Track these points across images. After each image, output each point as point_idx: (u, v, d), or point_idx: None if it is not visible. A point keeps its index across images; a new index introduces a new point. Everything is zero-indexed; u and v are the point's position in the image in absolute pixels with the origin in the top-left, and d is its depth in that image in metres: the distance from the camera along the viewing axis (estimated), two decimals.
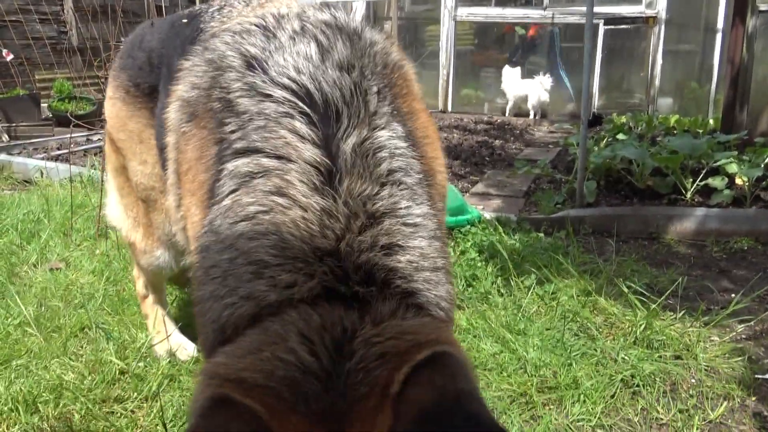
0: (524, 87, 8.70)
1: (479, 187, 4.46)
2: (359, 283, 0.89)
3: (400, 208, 0.98)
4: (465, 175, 4.78)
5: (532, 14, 8.99)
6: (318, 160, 0.97)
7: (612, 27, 8.55)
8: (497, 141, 6.40)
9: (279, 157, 0.99)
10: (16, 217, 3.92)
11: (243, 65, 1.13)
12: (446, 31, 9.32)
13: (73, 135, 6.28)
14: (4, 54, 7.65)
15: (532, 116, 8.65)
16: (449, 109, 9.41)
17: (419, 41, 10.58)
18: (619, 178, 4.14)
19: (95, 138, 6.47)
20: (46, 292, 2.84)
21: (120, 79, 1.93)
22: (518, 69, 8.81)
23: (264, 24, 1.22)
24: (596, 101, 8.73)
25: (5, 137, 7.10)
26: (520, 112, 8.87)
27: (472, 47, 9.96)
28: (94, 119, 7.47)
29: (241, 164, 1.01)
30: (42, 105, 7.99)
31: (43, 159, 5.31)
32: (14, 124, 7.23)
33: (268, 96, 1.06)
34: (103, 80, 9.62)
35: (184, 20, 1.75)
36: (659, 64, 8.49)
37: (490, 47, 9.90)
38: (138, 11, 10.80)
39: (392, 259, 0.93)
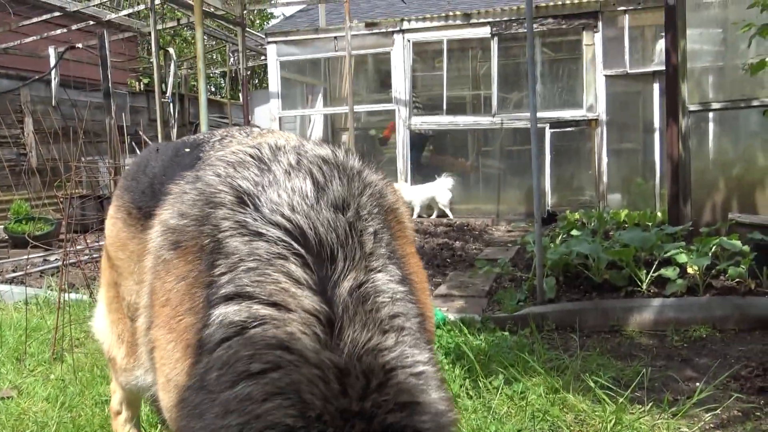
0: (428, 191, 9.37)
1: (442, 289, 4.51)
2: None
3: (407, 358, 0.95)
4: (428, 278, 4.83)
5: (482, 121, 9.48)
6: (317, 308, 0.93)
7: (557, 130, 9.06)
8: (458, 242, 6.53)
9: (274, 305, 0.95)
10: None
11: (234, 201, 1.10)
12: (402, 139, 9.71)
13: (30, 256, 6.19)
14: None
15: (443, 214, 9.26)
16: None
17: (377, 149, 10.98)
18: (577, 273, 4.25)
19: (52, 258, 6.36)
20: None
21: (123, 199, 1.93)
22: (402, 181, 9.59)
23: (259, 155, 1.20)
24: (549, 200, 9.07)
25: None
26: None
27: (428, 152, 10.36)
28: (52, 239, 7.39)
29: (232, 312, 0.96)
30: None
31: None
32: None
33: (260, 235, 1.02)
34: (61, 200, 9.59)
35: (187, 149, 1.78)
36: (605, 163, 8.96)
37: (446, 151, 10.31)
38: (99, 131, 11.01)
39: (415, 419, 0.90)
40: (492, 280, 4.64)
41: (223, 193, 1.12)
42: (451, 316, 3.74)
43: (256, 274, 0.98)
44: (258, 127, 1.86)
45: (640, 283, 3.95)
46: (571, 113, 9.08)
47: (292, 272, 0.97)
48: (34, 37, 9.73)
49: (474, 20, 9.27)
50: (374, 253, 1.06)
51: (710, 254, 3.87)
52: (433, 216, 9.30)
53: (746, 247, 3.89)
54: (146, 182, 1.88)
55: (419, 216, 9.34)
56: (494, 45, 9.22)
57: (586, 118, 8.98)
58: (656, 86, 8.69)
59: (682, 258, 3.84)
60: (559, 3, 8.98)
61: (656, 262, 3.99)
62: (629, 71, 8.74)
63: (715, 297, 3.69)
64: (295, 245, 1.00)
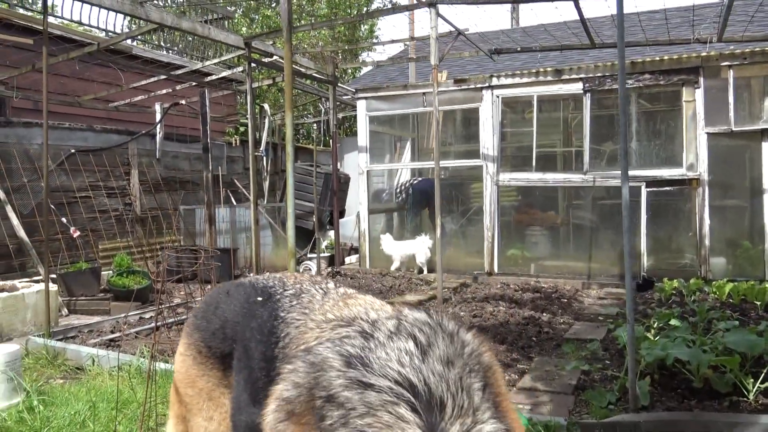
0: (409, 247, 9.74)
1: (526, 380, 4.31)
2: None
3: None
4: (511, 363, 4.65)
5: (573, 178, 9.20)
6: None
7: (655, 189, 8.64)
8: (545, 315, 6.28)
9: None
10: (62, 419, 3.97)
11: (343, 364, 1.17)
12: (489, 194, 9.56)
13: (128, 314, 6.52)
14: (72, 232, 8.18)
15: (421, 270, 9.61)
16: (495, 270, 9.42)
17: (465, 196, 10.86)
18: (673, 373, 3.96)
19: (147, 316, 6.66)
20: None
21: (193, 338, 2.00)
22: (388, 234, 9.98)
23: (360, 330, 1.29)
24: (645, 262, 8.62)
25: (65, 311, 7.41)
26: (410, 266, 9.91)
27: (516, 208, 10.15)
28: (149, 293, 7.78)
29: None
30: (103, 273, 8.39)
31: (95, 345, 5.47)
32: (74, 298, 7.57)
33: (371, 386, 1.09)
34: (159, 248, 10.08)
35: (259, 298, 1.84)
36: (707, 224, 8.42)
37: (535, 207, 10.06)
38: (198, 181, 11.58)
39: None
40: (580, 371, 4.40)
41: (332, 359, 1.20)
42: (535, 418, 3.56)
43: (368, 416, 1.04)
44: (332, 284, 1.84)
45: (746, 393, 3.62)
46: (670, 172, 8.64)
47: (403, 415, 1.03)
48: (143, 96, 10.41)
49: (565, 76, 9.07)
50: (481, 407, 1.10)
51: None
52: (416, 271, 9.68)
53: None
54: (218, 324, 1.94)
55: (398, 270, 9.77)
56: (587, 101, 8.96)
57: (686, 177, 8.51)
58: (765, 145, 8.15)
59: None
60: (657, 58, 8.63)
61: (765, 371, 3.65)
62: (734, 129, 8.23)
63: None
64: (406, 393, 1.06)
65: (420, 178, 10.89)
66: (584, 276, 8.97)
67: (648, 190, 8.65)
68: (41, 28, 6.06)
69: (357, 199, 10.87)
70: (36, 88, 9.28)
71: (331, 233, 11.27)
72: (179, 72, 9.94)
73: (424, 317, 1.29)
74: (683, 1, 9.13)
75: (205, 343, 1.97)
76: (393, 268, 9.77)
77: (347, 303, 1.66)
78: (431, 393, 1.06)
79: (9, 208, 8.17)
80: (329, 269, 9.59)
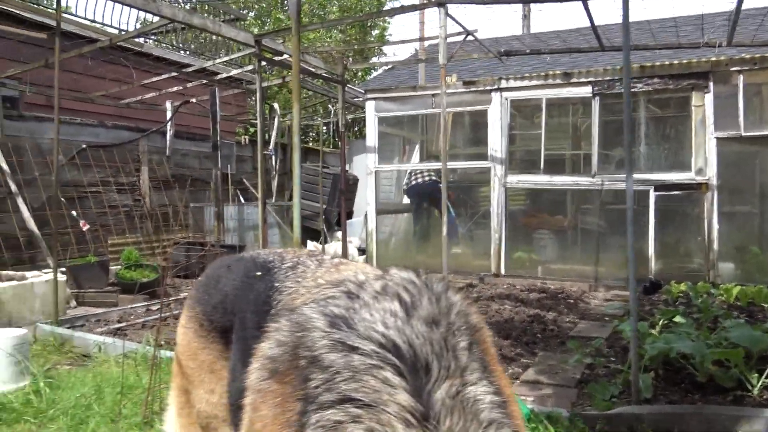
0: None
1: (530, 374, 4.31)
2: None
3: None
4: (515, 357, 4.65)
5: (582, 181, 9.19)
6: (413, 405, 0.98)
7: (663, 193, 8.60)
8: (550, 313, 6.27)
9: (369, 406, 0.99)
10: (68, 401, 4.01)
11: (327, 324, 1.16)
12: (497, 196, 9.56)
13: (134, 305, 6.57)
14: (81, 225, 8.25)
15: None
16: (502, 272, 9.41)
17: (473, 199, 10.87)
18: (678, 368, 3.95)
19: (155, 308, 6.71)
20: None
21: (195, 310, 2.00)
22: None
23: (346, 290, 1.28)
24: (653, 266, 8.57)
25: (73, 302, 7.46)
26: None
27: (524, 210, 10.14)
28: (156, 287, 7.81)
29: (330, 414, 1.01)
30: (112, 267, 8.45)
31: (102, 333, 5.51)
32: (83, 290, 7.62)
33: (355, 349, 1.08)
34: (169, 243, 10.13)
35: (258, 273, 1.84)
36: (716, 229, 8.38)
37: (542, 210, 10.05)
38: (208, 179, 11.65)
39: None
40: (584, 366, 4.39)
41: (315, 319, 1.19)
42: (537, 409, 3.56)
43: (353, 381, 1.03)
44: (328, 256, 1.87)
45: (750, 388, 3.61)
46: (678, 176, 8.62)
47: (389, 379, 1.01)
48: (153, 94, 10.50)
49: (574, 79, 9.07)
50: (469, 366, 1.09)
51: None
52: None
53: None
54: (218, 298, 1.94)
55: None
56: (595, 104, 8.97)
57: (695, 181, 8.49)
58: None
59: None
60: (667, 63, 8.63)
61: None
62: (744, 134, 8.20)
63: None
64: (390, 356, 1.04)
65: (420, 180, 10.88)
66: (591, 279, 8.94)
67: (656, 194, 8.61)
68: (54, 23, 6.14)
69: (365, 200, 10.90)
70: (48, 83, 9.34)
71: (339, 234, 11.30)
72: (189, 69, 10.02)
73: (410, 277, 1.28)
74: (693, 10, 9.13)
75: (207, 317, 1.97)
76: None
77: (339, 269, 1.67)
78: (416, 355, 1.05)
79: (20, 201, 8.26)
80: None
